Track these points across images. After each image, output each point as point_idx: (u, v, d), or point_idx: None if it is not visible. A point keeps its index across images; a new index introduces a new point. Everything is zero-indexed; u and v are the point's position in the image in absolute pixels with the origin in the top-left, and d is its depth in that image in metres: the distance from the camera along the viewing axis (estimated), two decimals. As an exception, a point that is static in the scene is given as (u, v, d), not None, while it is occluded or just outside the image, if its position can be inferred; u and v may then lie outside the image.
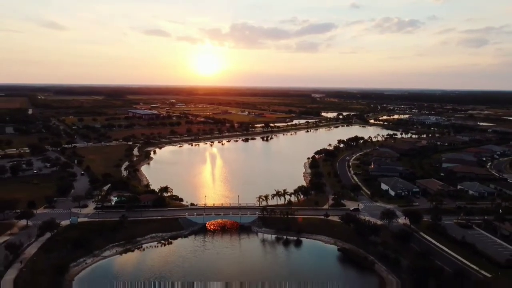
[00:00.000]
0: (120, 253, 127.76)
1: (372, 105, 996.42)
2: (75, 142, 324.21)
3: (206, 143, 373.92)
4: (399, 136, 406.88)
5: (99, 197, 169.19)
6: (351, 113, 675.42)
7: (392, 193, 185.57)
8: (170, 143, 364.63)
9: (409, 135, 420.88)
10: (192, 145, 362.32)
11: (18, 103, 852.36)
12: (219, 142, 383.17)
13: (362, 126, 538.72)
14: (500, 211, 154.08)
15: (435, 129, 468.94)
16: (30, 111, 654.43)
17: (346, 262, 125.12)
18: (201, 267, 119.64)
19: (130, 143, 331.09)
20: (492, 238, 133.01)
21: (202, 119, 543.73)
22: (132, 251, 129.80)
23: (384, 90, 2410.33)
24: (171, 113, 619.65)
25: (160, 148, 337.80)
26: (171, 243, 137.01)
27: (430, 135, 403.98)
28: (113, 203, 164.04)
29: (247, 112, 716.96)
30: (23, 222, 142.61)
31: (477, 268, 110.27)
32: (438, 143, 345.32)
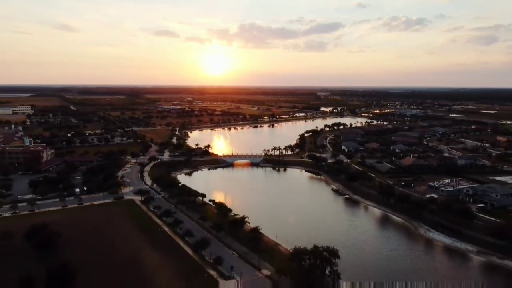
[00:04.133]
0: (190, 173, 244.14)
1: (369, 102, 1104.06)
2: (130, 127, 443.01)
3: (224, 129, 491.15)
4: (375, 123, 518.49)
5: (170, 150, 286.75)
6: (345, 108, 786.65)
7: (346, 150, 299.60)
8: (198, 128, 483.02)
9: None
10: (214, 130, 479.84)
11: (54, 101, 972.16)
12: (234, 128, 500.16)
13: (352, 117, 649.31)
14: (401, 154, 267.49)
15: (408, 118, 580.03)
16: (72, 108, 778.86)
17: (309, 176, 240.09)
18: (232, 177, 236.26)
19: (170, 128, 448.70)
20: (390, 166, 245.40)
21: (219, 113, 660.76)
22: (197, 171, 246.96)
23: (390, 88, 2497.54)
24: (192, 109, 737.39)
25: (191, 131, 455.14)
26: (215, 169, 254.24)
27: (398, 122, 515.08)
28: (178, 153, 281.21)
29: (256, 108, 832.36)
30: (133, 160, 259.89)
31: (368, 173, 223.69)
32: (401, 126, 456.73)
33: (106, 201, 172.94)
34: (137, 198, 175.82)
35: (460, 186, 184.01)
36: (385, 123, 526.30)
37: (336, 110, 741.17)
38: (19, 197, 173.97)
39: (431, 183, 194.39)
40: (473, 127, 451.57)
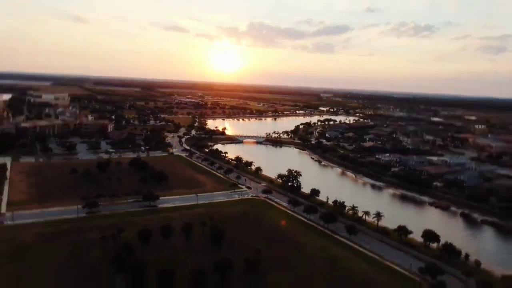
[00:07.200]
0: (212, 145, 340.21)
1: (366, 104, 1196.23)
2: (158, 114, 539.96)
3: (234, 120, 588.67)
4: (361, 121, 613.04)
5: (196, 130, 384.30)
6: (340, 108, 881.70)
7: (328, 136, 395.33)
8: (212, 118, 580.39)
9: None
10: (225, 120, 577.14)
11: (76, 90, 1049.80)
12: (242, 119, 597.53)
13: (345, 116, 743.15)
14: (367, 140, 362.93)
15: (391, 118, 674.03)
16: (98, 97, 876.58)
17: (297, 151, 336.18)
18: (242, 150, 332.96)
19: (191, 116, 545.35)
20: (355, 147, 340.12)
21: (229, 107, 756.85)
22: (217, 145, 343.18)
23: (393, 93, 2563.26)
24: (205, 102, 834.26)
25: (207, 120, 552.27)
26: (230, 144, 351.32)
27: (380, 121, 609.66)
28: (202, 132, 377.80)
29: (262, 104, 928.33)
30: (171, 135, 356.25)
31: (336, 148, 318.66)
32: (380, 124, 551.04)
33: (163, 154, 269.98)
34: (182, 154, 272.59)
35: (393, 158, 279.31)
36: (369, 121, 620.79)
37: (332, 110, 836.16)
38: (107, 149, 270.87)
39: (377, 156, 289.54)
40: (440, 127, 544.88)
